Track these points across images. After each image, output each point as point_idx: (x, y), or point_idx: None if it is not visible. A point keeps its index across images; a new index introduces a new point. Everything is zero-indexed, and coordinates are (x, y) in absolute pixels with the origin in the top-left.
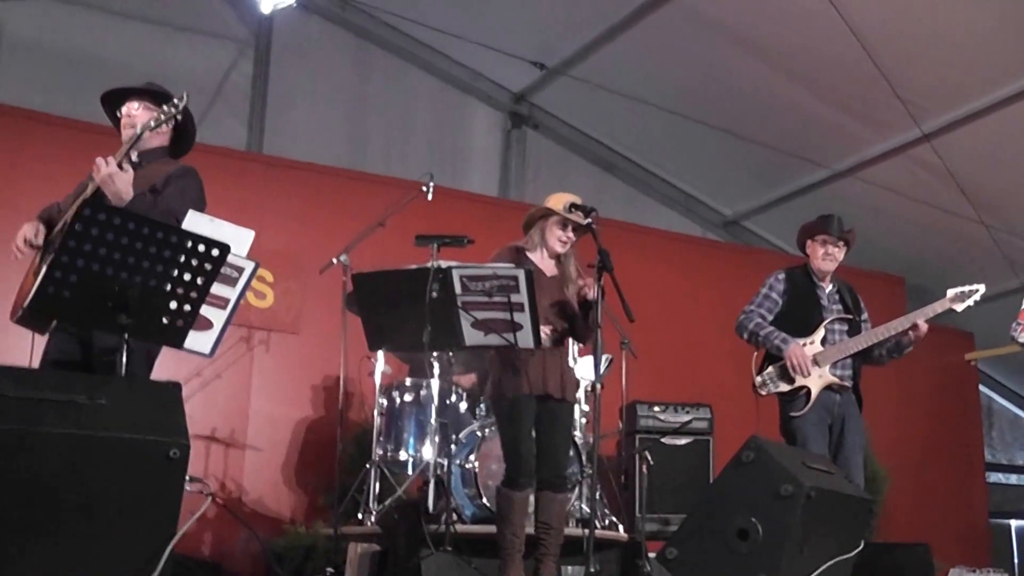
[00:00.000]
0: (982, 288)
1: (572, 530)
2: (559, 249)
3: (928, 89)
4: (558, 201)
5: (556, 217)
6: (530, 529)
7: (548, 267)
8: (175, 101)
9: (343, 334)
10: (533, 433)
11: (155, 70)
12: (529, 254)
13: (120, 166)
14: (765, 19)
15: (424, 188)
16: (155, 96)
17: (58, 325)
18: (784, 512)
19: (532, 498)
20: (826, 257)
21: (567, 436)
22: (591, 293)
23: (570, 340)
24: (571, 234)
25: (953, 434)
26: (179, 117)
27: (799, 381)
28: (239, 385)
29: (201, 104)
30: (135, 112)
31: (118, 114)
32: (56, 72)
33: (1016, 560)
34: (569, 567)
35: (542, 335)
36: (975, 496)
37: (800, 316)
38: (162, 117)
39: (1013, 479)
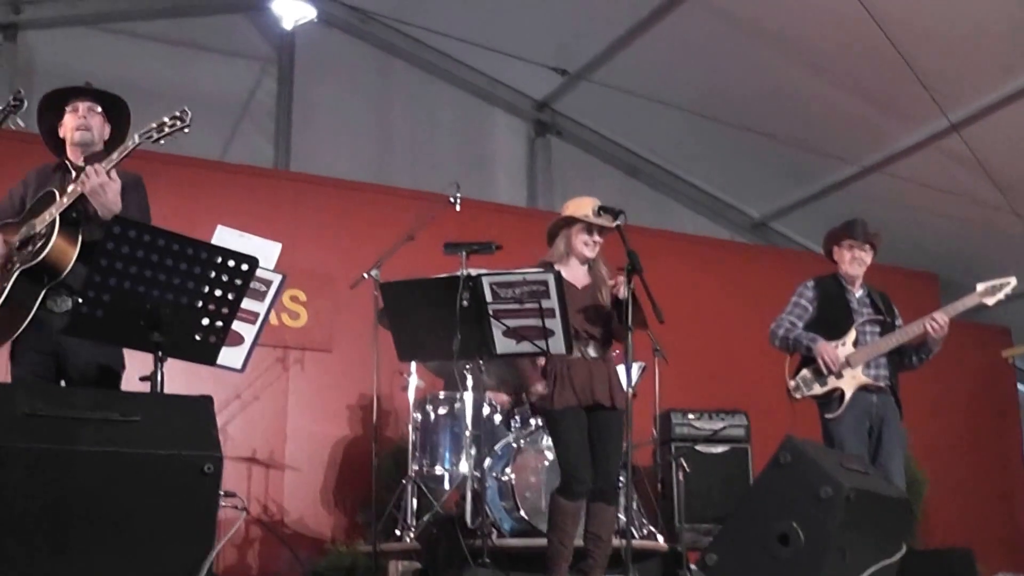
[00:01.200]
0: (1013, 280)
1: None
2: (588, 254)
3: (955, 78)
4: (577, 207)
5: (579, 224)
6: (578, 540)
7: (579, 277)
8: (178, 114)
9: (375, 350)
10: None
11: (182, 92)
12: (558, 267)
13: (108, 175)
14: (785, 13)
15: (452, 199)
16: (98, 96)
17: (23, 342)
18: (824, 515)
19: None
20: (854, 261)
21: (619, 446)
22: (622, 291)
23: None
24: (597, 237)
25: (991, 433)
26: (187, 131)
27: (832, 383)
28: (276, 405)
29: (228, 123)
30: (88, 115)
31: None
32: None
33: None
34: None
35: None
36: (1016, 498)
37: (831, 321)
38: (166, 129)
39: None
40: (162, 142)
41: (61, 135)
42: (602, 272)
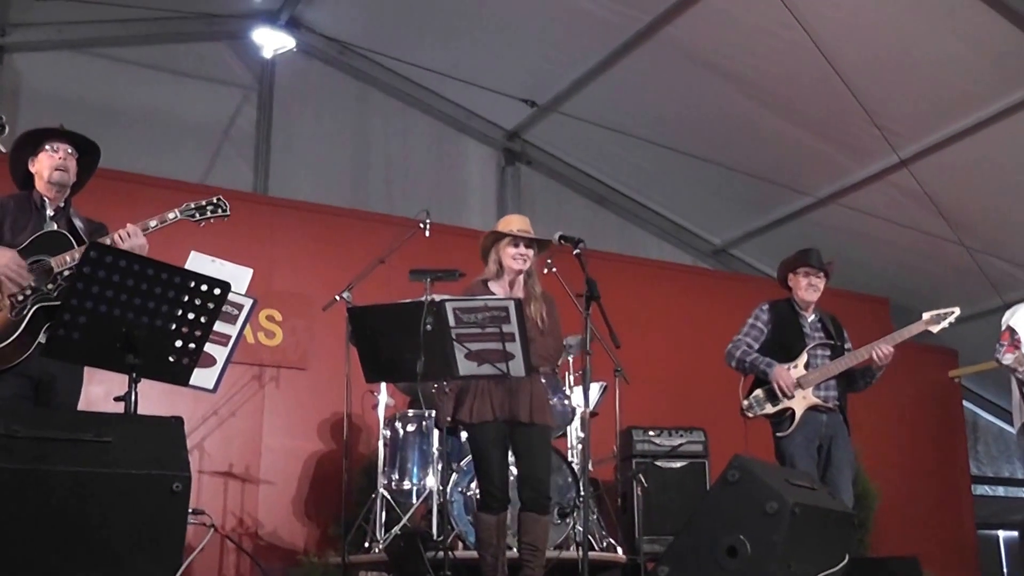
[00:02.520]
0: (957, 311)
1: (570, 553)
2: (519, 266)
3: (904, 116)
4: (505, 224)
5: (507, 238)
6: (512, 552)
7: (513, 293)
8: (216, 201)
9: (347, 368)
10: (511, 457)
11: (165, 117)
12: (492, 285)
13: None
14: (747, 52)
15: (421, 225)
16: (75, 140)
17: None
18: (770, 529)
19: (517, 519)
20: (809, 288)
21: (545, 458)
22: None
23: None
24: (524, 249)
25: (939, 449)
26: (225, 219)
27: (784, 403)
28: (252, 422)
29: (209, 148)
30: (66, 158)
31: (48, 150)
32: (73, 122)
33: (1006, 571)
34: None
35: None
36: (962, 509)
37: (784, 343)
38: (207, 212)
39: (1000, 491)
40: (202, 224)
41: (32, 170)
42: (535, 289)
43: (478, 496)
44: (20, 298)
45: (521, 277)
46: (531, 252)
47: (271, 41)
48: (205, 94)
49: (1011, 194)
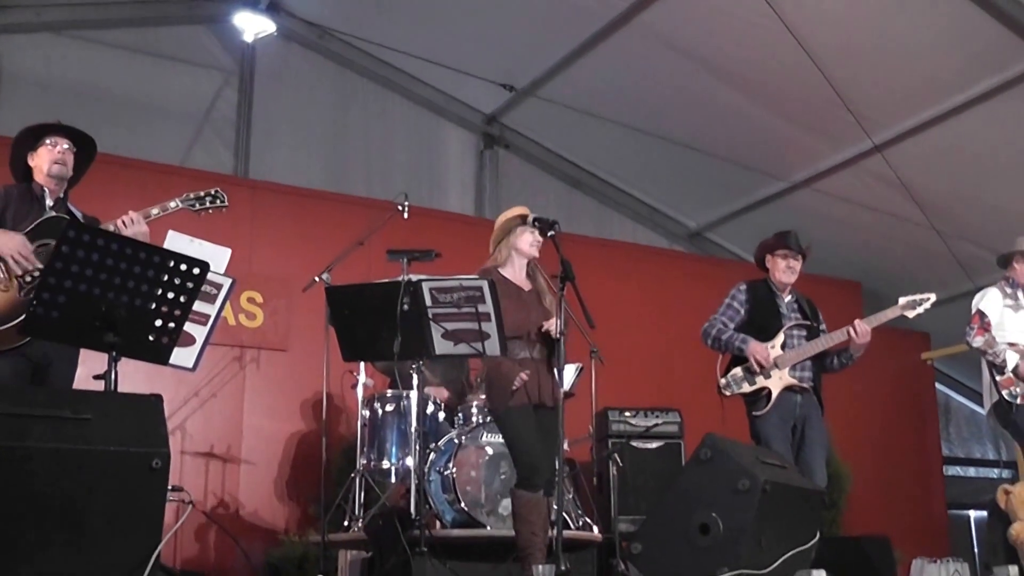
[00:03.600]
0: (933, 297)
1: None
2: (534, 252)
3: (878, 102)
4: (522, 211)
5: (523, 225)
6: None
7: (522, 280)
8: (215, 193)
9: (326, 350)
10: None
11: (146, 99)
12: (502, 271)
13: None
14: (722, 38)
15: (399, 208)
16: (74, 135)
17: None
18: (742, 506)
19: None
20: (787, 270)
21: (556, 442)
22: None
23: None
24: (539, 237)
25: (911, 430)
26: (224, 210)
27: (760, 382)
28: (233, 402)
29: (189, 131)
30: (64, 153)
31: (43, 146)
32: (54, 103)
33: (976, 550)
34: (540, 566)
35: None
36: (933, 489)
37: (761, 323)
38: (207, 202)
39: (971, 472)
40: (201, 214)
41: (31, 164)
42: (541, 281)
43: (455, 477)
44: (28, 279)
45: (527, 267)
46: (541, 241)
47: (251, 25)
48: (185, 77)
49: (982, 179)
